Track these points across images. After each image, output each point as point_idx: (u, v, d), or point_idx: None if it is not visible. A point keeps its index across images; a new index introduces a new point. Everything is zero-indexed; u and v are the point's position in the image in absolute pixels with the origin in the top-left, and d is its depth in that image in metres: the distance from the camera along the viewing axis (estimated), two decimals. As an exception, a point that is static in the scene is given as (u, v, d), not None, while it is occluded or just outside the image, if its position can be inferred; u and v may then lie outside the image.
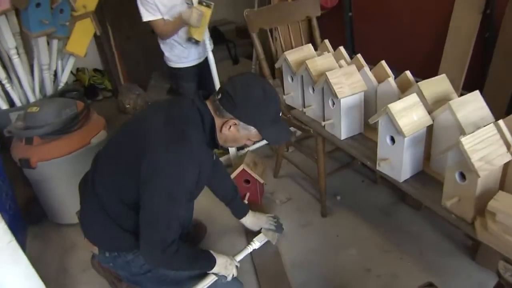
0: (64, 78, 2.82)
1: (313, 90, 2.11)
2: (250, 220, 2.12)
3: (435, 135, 1.65)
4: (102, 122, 2.55)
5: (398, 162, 1.65)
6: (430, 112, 1.64)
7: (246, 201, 2.36)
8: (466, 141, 1.33)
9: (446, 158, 1.44)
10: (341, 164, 2.49)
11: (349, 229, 2.26)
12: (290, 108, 2.36)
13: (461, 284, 1.88)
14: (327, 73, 1.88)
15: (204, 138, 1.55)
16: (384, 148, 1.69)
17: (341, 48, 2.23)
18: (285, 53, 2.18)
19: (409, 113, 1.58)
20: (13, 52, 2.52)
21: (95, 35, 3.16)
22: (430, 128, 1.63)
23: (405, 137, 1.55)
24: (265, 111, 1.51)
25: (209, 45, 2.65)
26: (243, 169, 2.32)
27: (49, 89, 2.74)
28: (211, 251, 1.75)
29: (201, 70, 2.77)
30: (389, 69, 1.99)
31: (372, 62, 2.88)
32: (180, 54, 2.65)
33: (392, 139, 1.64)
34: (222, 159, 2.89)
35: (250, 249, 1.99)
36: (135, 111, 3.86)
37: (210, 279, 1.77)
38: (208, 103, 1.56)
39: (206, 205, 2.22)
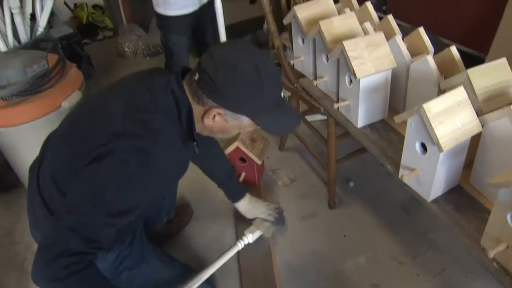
0: (43, 22, 2.37)
1: (327, 59, 1.64)
2: (245, 205, 1.74)
3: (484, 145, 1.20)
4: (79, 80, 2.14)
5: (428, 177, 1.22)
6: (479, 113, 1.18)
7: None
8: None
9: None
10: (359, 147, 2.03)
11: (359, 229, 1.87)
12: (299, 75, 1.90)
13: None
14: (344, 42, 1.41)
15: (179, 131, 1.15)
16: (411, 155, 1.25)
17: (368, 4, 1.73)
18: (295, 7, 1.69)
19: (451, 117, 1.12)
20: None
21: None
22: (478, 134, 1.18)
23: (442, 151, 1.11)
24: (259, 96, 1.08)
25: None
26: (237, 147, 1.91)
27: (24, 36, 2.31)
28: None
29: (198, 19, 2.25)
30: (428, 40, 1.50)
31: (406, 19, 2.36)
32: None
33: (424, 146, 1.20)
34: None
35: (232, 252, 1.59)
36: (135, 56, 3.42)
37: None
38: (185, 84, 1.14)
39: (196, 181, 1.82)
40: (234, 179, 1.72)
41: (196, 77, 1.09)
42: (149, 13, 3.67)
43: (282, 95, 1.18)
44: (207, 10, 2.17)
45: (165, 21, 2.20)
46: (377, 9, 2.47)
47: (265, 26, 3.09)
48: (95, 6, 3.91)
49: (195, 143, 1.23)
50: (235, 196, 1.73)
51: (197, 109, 1.14)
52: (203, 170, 1.68)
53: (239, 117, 1.11)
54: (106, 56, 3.50)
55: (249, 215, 1.75)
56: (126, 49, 3.43)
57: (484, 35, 1.94)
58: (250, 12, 3.58)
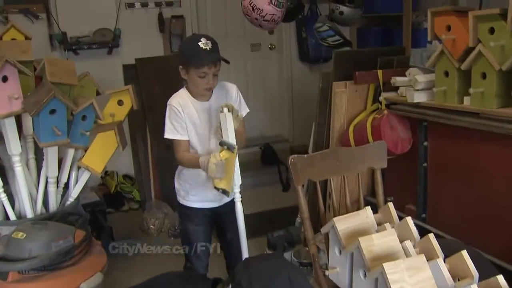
0: (75, 193, 2.58)
1: (365, 275, 1.68)
2: None
3: None
4: (103, 261, 2.24)
5: None
6: None
7: None
8: None
9: None
10: None
11: None
12: (333, 285, 1.92)
13: None
14: (385, 265, 1.47)
15: None
16: None
17: (409, 220, 1.82)
18: (334, 219, 1.80)
19: None
20: (16, 159, 2.30)
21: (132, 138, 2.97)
22: None
23: None
24: None
25: (238, 190, 2.14)
26: None
27: (53, 205, 2.49)
28: None
29: (219, 215, 2.36)
30: (472, 265, 1.54)
31: (446, 229, 2.45)
32: (188, 190, 2.29)
33: None
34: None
35: None
36: (159, 233, 3.55)
37: None
38: None
39: None
40: None
41: None
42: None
43: None
44: (229, 207, 2.25)
45: (183, 210, 2.35)
46: (416, 216, 2.62)
47: (298, 219, 3.22)
48: (125, 176, 4.22)
49: None
50: None
51: None
52: None
53: None
54: (129, 230, 3.63)
55: None
56: (151, 226, 3.57)
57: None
58: (283, 201, 3.78)
